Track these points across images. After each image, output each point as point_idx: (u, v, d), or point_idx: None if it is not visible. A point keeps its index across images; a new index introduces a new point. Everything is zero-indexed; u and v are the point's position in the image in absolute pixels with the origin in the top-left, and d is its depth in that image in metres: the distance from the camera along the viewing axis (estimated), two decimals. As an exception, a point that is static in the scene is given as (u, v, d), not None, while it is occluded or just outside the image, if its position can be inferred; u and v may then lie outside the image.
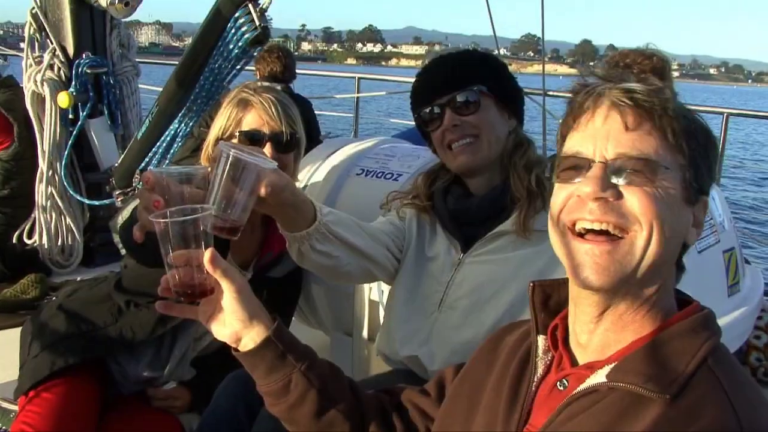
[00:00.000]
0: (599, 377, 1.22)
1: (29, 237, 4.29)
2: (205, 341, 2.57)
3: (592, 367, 1.26)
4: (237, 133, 2.45)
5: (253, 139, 2.43)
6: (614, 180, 1.22)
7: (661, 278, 1.26)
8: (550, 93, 4.12)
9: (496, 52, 5.98)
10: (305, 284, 2.97)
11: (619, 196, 1.22)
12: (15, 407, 2.57)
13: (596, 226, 1.22)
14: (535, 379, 1.36)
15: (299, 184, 3.18)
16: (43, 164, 4.01)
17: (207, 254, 1.43)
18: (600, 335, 1.28)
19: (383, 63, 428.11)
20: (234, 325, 1.49)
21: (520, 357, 1.42)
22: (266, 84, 3.29)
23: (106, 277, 2.76)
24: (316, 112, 6.88)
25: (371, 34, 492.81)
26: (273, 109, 2.43)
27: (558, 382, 1.30)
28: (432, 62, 2.40)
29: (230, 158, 1.58)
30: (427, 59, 2.66)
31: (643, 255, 1.21)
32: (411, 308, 2.32)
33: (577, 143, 1.28)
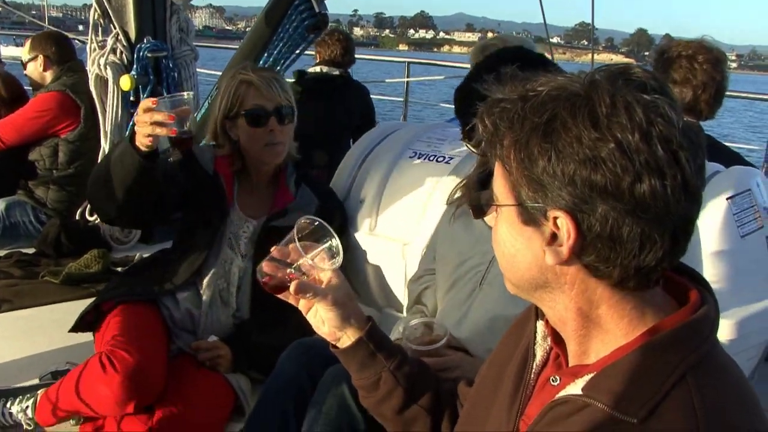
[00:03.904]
0: (577, 387, 1.15)
1: (91, 214, 4.44)
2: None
3: (578, 373, 1.19)
4: (242, 113, 2.65)
5: (258, 115, 2.64)
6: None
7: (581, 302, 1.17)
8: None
9: (549, 39, 6.03)
10: (356, 262, 3.04)
11: None
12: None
13: None
14: (534, 367, 1.33)
15: (351, 165, 3.26)
16: (105, 144, 4.12)
17: (292, 287, 1.52)
18: (570, 338, 1.22)
19: (435, 49, 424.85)
20: (330, 328, 1.60)
21: (530, 341, 1.37)
22: (258, 67, 3.41)
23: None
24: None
25: (423, 20, 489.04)
26: (273, 86, 2.65)
27: (551, 378, 1.26)
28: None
29: None
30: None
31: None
32: (452, 296, 2.36)
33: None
